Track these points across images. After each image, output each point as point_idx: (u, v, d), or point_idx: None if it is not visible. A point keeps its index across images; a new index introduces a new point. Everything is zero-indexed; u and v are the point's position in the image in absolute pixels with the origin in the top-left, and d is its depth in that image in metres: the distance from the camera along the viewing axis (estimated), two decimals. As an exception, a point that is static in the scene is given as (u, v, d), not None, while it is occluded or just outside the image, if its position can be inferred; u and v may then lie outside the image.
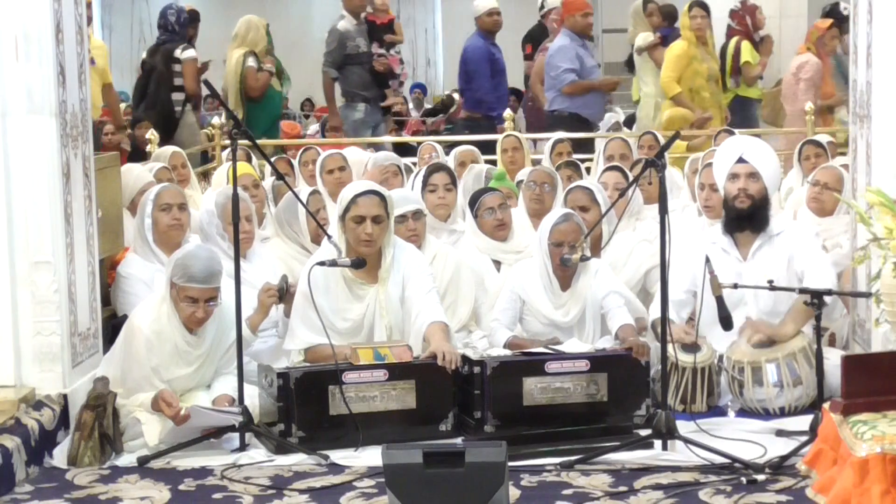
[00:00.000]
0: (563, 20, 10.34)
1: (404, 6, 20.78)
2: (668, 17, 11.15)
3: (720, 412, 5.41)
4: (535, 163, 8.40)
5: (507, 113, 10.11)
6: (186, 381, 5.25)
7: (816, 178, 6.63)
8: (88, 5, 5.68)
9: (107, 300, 5.97)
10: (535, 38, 11.67)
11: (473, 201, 6.40)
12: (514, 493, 4.44)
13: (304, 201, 6.07)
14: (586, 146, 9.28)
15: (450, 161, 8.30)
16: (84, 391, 5.17)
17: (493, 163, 8.27)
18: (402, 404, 5.11)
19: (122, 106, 12.02)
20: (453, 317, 5.83)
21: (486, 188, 6.69)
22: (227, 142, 8.40)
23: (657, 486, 4.55)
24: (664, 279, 4.92)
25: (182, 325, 5.21)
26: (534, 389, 5.11)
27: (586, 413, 5.14)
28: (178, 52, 10.18)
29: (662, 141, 7.96)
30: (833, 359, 4.99)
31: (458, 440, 5.04)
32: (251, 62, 10.25)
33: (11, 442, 4.77)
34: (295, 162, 8.36)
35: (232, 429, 5.03)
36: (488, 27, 10.79)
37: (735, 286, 5.24)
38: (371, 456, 4.82)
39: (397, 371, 5.11)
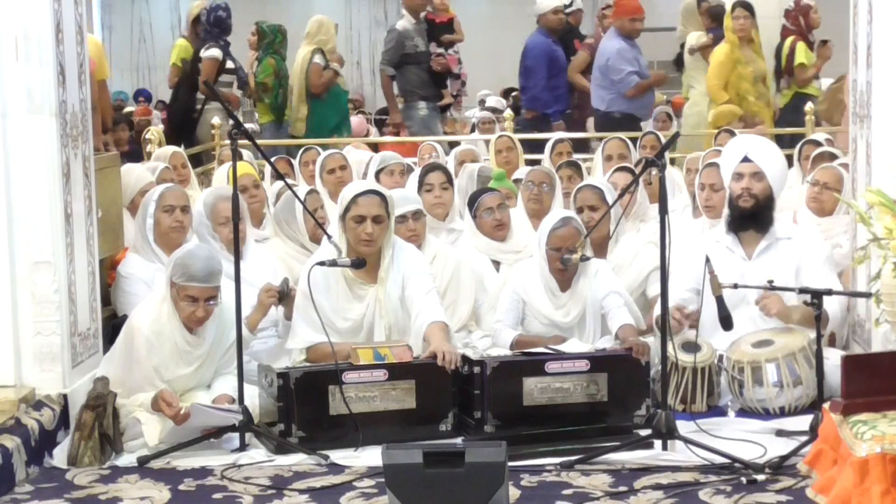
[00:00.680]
0: (613, 20, 10.32)
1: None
2: (717, 18, 11.00)
3: (720, 412, 5.41)
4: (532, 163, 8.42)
5: (508, 113, 10.10)
6: (186, 380, 5.25)
7: (816, 177, 6.62)
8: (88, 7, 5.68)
9: (107, 300, 5.97)
10: (563, 38, 11.50)
11: (472, 202, 6.40)
12: (514, 493, 4.44)
13: (303, 200, 6.07)
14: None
15: (450, 160, 8.30)
16: (84, 391, 5.17)
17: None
18: (402, 404, 5.11)
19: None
20: (453, 317, 5.84)
21: (484, 188, 6.69)
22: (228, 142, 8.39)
23: (657, 486, 4.55)
24: (664, 278, 4.92)
25: (182, 324, 5.21)
26: (534, 389, 5.11)
27: (586, 413, 5.14)
28: (202, 52, 10.28)
29: (663, 141, 7.96)
30: (833, 359, 4.98)
31: (458, 440, 5.04)
32: (317, 59, 10.33)
33: (11, 442, 4.77)
34: (295, 162, 8.37)
35: (232, 429, 5.04)
36: (553, 25, 10.72)
37: (735, 286, 5.24)
38: (371, 456, 4.82)
39: (397, 371, 5.11)
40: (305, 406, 5.02)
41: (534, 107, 10.70)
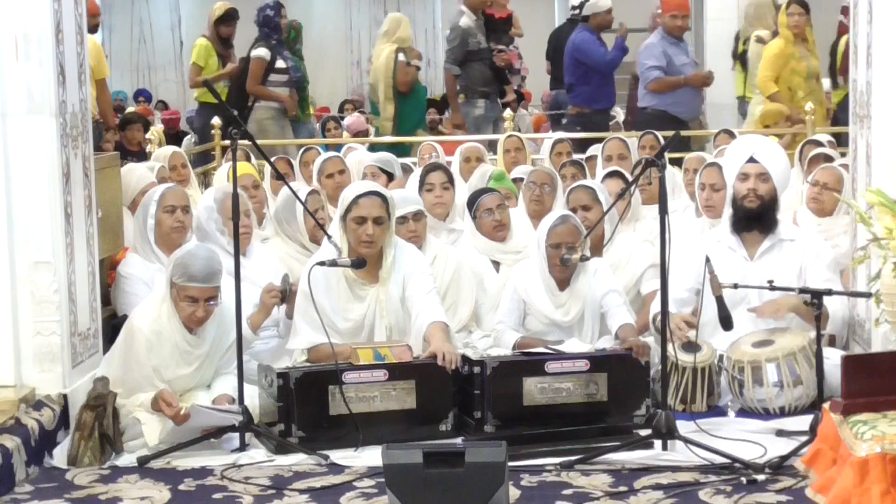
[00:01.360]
0: (659, 17, 10.31)
1: (404, 6, 20.78)
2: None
3: (720, 412, 5.41)
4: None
5: (508, 113, 10.10)
6: (186, 380, 5.25)
7: (816, 178, 6.63)
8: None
9: (107, 300, 5.97)
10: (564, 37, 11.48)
11: (472, 202, 6.40)
12: (514, 493, 4.44)
13: (303, 200, 6.07)
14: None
15: (455, 157, 8.30)
16: (84, 391, 5.17)
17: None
18: (402, 404, 5.11)
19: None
20: (454, 317, 5.84)
21: (484, 189, 6.68)
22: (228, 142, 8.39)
23: (657, 486, 4.55)
24: (664, 279, 4.92)
25: (182, 324, 5.21)
26: (534, 389, 5.11)
27: (586, 413, 5.14)
28: (251, 51, 10.35)
29: (663, 141, 7.96)
30: (833, 359, 4.98)
31: (458, 440, 5.04)
32: (402, 57, 10.37)
33: (11, 442, 4.77)
34: (295, 162, 8.37)
35: (232, 429, 5.04)
36: (604, 24, 10.70)
37: (735, 286, 5.24)
38: (371, 456, 4.82)
39: (397, 371, 5.11)
40: (305, 406, 5.02)
41: (588, 104, 10.62)
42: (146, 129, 10.42)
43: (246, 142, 5.86)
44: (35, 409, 5.07)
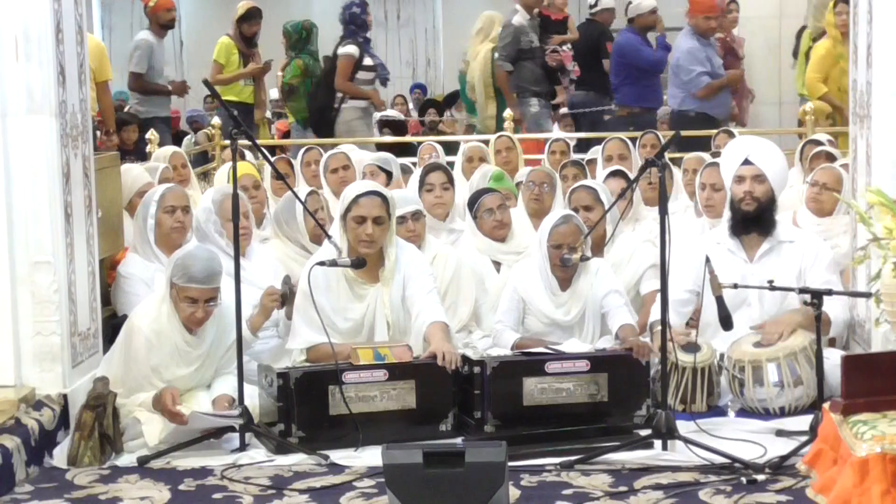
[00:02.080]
0: (688, 19, 10.27)
1: (404, 6, 20.78)
2: None
3: (720, 412, 5.41)
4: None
5: (507, 113, 10.10)
6: (186, 381, 5.25)
7: (815, 178, 6.62)
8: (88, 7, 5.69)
9: (107, 300, 5.97)
10: (596, 38, 11.37)
11: (472, 202, 6.40)
12: (514, 493, 4.44)
13: (303, 200, 6.07)
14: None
15: (458, 157, 8.30)
16: (84, 391, 5.17)
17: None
18: (402, 404, 5.11)
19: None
20: (454, 317, 5.84)
21: (485, 189, 6.68)
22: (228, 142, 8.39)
23: (657, 486, 4.55)
24: (664, 279, 4.92)
25: (182, 325, 5.20)
26: (534, 389, 5.11)
27: (586, 413, 5.14)
28: (339, 49, 10.33)
29: (663, 141, 7.96)
30: (833, 359, 4.98)
31: (458, 440, 5.04)
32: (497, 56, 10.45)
33: (11, 442, 4.77)
34: (295, 162, 8.37)
35: (232, 429, 5.04)
36: (649, 24, 10.69)
37: (735, 286, 5.24)
38: (371, 456, 4.82)
39: (397, 371, 5.11)
40: (305, 406, 5.02)
41: (636, 104, 10.58)
42: (141, 130, 10.41)
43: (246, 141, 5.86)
44: (35, 409, 5.07)
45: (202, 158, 10.99)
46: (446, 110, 15.86)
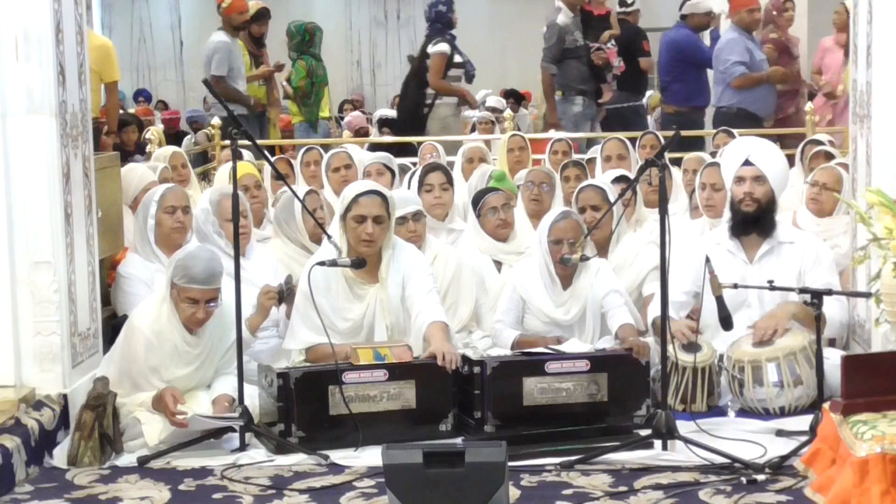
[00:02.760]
0: (730, 15, 10.22)
1: (404, 6, 20.80)
2: None
3: (720, 412, 5.41)
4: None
5: (508, 112, 10.10)
6: (186, 381, 5.25)
7: (815, 178, 6.62)
8: (88, 7, 5.68)
9: (107, 300, 5.97)
10: (632, 37, 11.28)
11: (476, 201, 6.40)
12: (514, 493, 4.44)
13: (302, 200, 6.07)
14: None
15: (458, 157, 8.30)
16: (84, 391, 5.17)
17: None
18: (402, 404, 5.11)
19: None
20: (454, 317, 5.84)
21: (489, 188, 6.68)
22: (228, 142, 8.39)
23: (657, 486, 4.55)
24: (664, 279, 4.92)
25: (182, 325, 5.20)
26: (534, 389, 5.11)
27: (586, 413, 5.14)
28: (430, 47, 10.31)
29: (663, 141, 7.96)
30: (833, 359, 4.98)
31: (458, 440, 5.04)
32: None
33: (11, 442, 4.77)
34: (295, 162, 8.37)
35: (232, 429, 5.04)
36: (703, 25, 10.70)
37: (735, 286, 5.24)
38: (371, 456, 4.82)
39: (397, 371, 5.11)
40: (305, 406, 5.02)
41: (687, 103, 10.55)
42: (141, 131, 10.41)
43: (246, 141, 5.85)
44: (35, 409, 5.07)
45: (202, 158, 10.99)
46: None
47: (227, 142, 7.66)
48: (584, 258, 5.75)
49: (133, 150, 10.00)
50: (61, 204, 5.25)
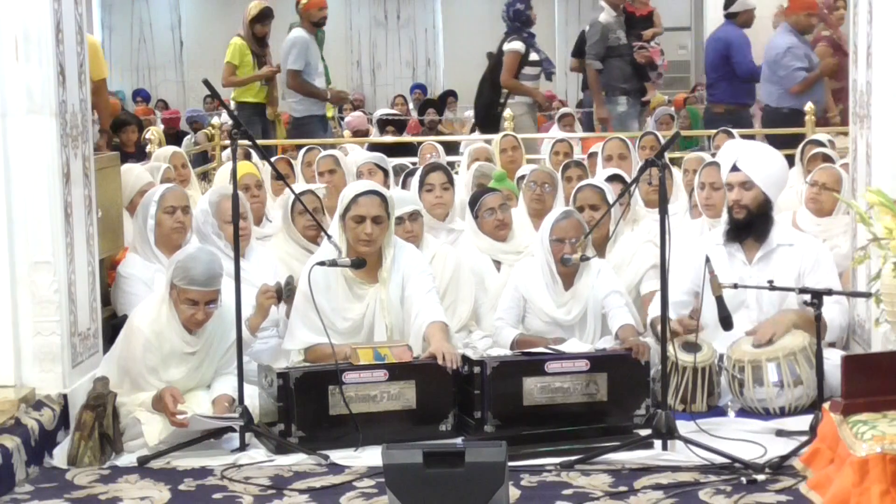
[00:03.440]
0: (786, 16, 10.20)
1: (404, 6, 20.80)
2: None
3: (720, 412, 5.41)
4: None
5: (508, 113, 10.10)
6: (186, 381, 5.25)
7: (815, 178, 6.62)
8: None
9: (107, 300, 5.97)
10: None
11: (473, 202, 6.40)
12: (514, 493, 4.44)
13: (301, 200, 6.07)
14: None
15: (463, 158, 8.30)
16: (84, 391, 5.17)
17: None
18: (402, 404, 5.11)
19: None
20: (453, 316, 5.84)
21: (486, 188, 6.69)
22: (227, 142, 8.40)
23: (657, 486, 4.55)
24: (664, 279, 4.92)
25: (181, 325, 5.20)
26: (534, 389, 5.11)
27: (586, 413, 5.14)
28: (505, 45, 10.34)
29: (663, 141, 7.95)
30: (833, 359, 4.99)
31: (458, 440, 5.04)
32: None
33: (11, 442, 4.77)
34: (295, 162, 8.37)
35: (232, 429, 5.04)
36: (749, 22, 10.65)
37: (735, 286, 5.24)
38: (371, 456, 4.82)
39: (397, 371, 5.11)
40: (305, 406, 5.02)
41: (734, 101, 10.49)
42: (141, 131, 10.39)
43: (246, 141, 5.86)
44: (35, 409, 5.07)
45: (202, 158, 10.99)
46: (444, 110, 15.88)
47: (228, 142, 7.66)
48: (585, 258, 5.75)
49: (132, 152, 9.98)
50: (61, 204, 5.25)
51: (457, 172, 8.02)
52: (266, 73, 10.64)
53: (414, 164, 8.63)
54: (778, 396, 5.35)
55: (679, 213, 6.95)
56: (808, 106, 9.61)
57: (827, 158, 7.22)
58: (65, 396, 5.22)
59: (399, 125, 14.03)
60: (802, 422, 5.04)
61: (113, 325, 5.80)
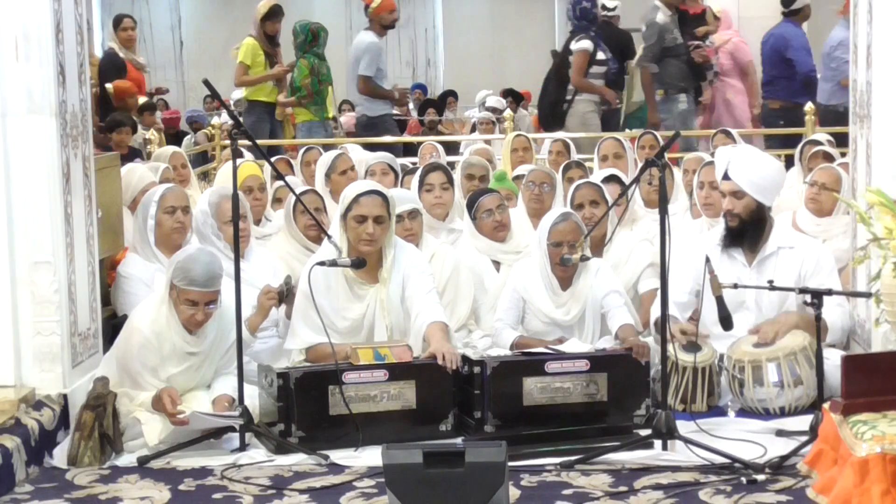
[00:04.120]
0: (843, 13, 10.11)
1: (404, 6, 20.77)
2: None
3: (720, 412, 5.41)
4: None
5: (508, 113, 10.09)
6: (186, 381, 5.25)
7: (814, 178, 6.62)
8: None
9: (107, 300, 5.97)
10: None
11: (471, 203, 6.40)
12: (514, 493, 4.44)
13: (302, 201, 6.07)
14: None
15: (461, 160, 8.29)
16: (84, 391, 5.17)
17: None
18: (403, 404, 5.11)
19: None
20: (452, 316, 5.84)
21: (484, 189, 6.68)
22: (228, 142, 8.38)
23: (657, 486, 4.55)
24: (664, 279, 4.92)
25: (181, 325, 5.20)
26: (534, 389, 5.11)
27: (586, 413, 5.14)
28: (573, 44, 10.35)
29: (662, 141, 7.95)
30: (833, 359, 4.99)
31: (458, 440, 5.04)
32: None
33: (11, 442, 4.78)
34: (295, 162, 8.37)
35: (232, 429, 5.04)
36: (807, 16, 10.68)
37: (735, 286, 5.24)
38: (371, 456, 4.82)
39: (397, 371, 5.11)
40: (305, 406, 5.02)
41: (792, 98, 10.50)
42: (135, 131, 10.38)
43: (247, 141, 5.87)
44: (35, 409, 5.07)
45: (202, 158, 10.99)
46: (445, 110, 15.87)
47: (228, 142, 7.65)
48: (584, 258, 5.75)
49: (126, 154, 9.98)
50: (61, 204, 5.25)
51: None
52: (277, 73, 10.63)
53: (414, 164, 8.62)
54: (778, 396, 5.35)
55: (679, 212, 6.94)
56: (808, 106, 9.59)
57: (827, 157, 7.21)
58: (65, 396, 5.22)
59: (399, 125, 14.01)
60: (802, 422, 5.05)
61: (113, 325, 5.81)
